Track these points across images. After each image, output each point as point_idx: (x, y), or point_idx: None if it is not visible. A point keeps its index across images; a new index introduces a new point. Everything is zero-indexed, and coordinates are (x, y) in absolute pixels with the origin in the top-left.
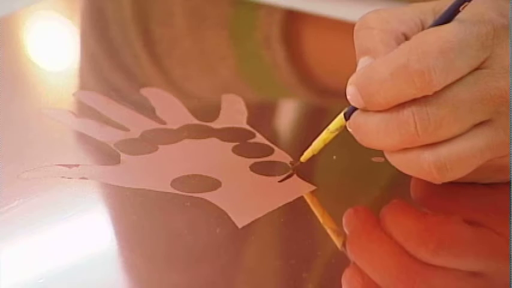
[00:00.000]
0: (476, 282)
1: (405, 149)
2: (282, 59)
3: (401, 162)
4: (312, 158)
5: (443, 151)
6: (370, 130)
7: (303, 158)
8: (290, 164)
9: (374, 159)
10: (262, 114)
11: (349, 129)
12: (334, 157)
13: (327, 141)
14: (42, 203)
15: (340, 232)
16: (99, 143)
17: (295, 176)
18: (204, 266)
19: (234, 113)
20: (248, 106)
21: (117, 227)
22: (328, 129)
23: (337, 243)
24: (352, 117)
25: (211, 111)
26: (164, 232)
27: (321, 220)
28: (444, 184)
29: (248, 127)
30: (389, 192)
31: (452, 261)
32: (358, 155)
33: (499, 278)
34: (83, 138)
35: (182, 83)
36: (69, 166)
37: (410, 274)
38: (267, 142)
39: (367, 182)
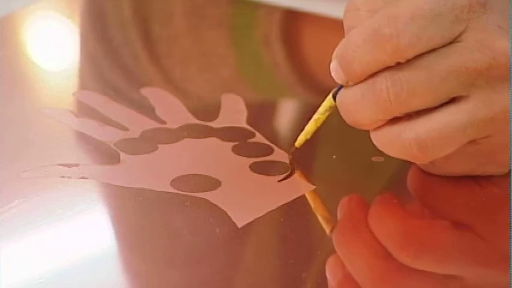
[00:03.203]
0: (453, 284)
1: (386, 127)
2: (282, 58)
3: (383, 140)
4: (312, 158)
5: (423, 127)
6: (350, 103)
7: (297, 143)
8: (288, 155)
9: (374, 158)
10: (262, 113)
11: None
12: (334, 157)
13: (319, 123)
14: (42, 202)
15: (330, 219)
16: (99, 142)
17: (294, 175)
18: (204, 266)
19: (233, 112)
20: (248, 106)
21: (116, 226)
22: (318, 111)
23: (326, 229)
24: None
25: (211, 111)
26: (164, 232)
27: (312, 205)
28: (442, 183)
29: (248, 127)
30: (388, 192)
31: (431, 266)
32: (358, 154)
33: (478, 282)
34: (83, 138)
35: (182, 83)
36: (69, 166)
37: (387, 274)
38: (266, 142)
39: (367, 182)
